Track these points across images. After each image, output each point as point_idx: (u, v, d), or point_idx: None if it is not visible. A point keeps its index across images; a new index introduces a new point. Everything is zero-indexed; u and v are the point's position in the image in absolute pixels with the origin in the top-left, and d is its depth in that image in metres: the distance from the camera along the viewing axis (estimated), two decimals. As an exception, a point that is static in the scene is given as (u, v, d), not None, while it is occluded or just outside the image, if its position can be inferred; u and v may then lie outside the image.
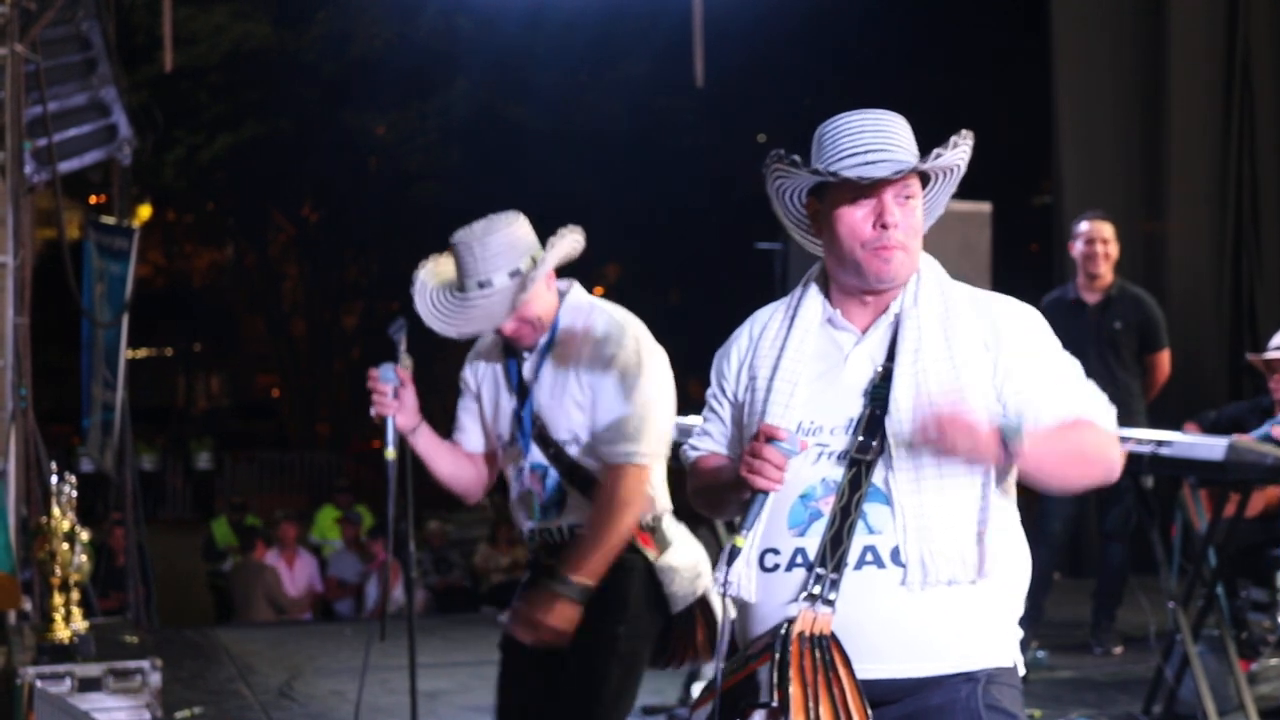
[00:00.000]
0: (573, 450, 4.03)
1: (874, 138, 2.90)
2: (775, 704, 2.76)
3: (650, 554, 4.02)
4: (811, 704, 2.74)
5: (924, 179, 2.97)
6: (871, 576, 2.84)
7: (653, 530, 4.05)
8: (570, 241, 4.04)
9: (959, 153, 2.94)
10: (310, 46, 21.52)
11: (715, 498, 3.09)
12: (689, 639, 4.09)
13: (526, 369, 4.11)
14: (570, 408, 4.02)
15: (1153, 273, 10.45)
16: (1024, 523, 3.14)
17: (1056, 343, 3.00)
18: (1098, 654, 7.92)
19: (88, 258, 9.45)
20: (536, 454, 4.09)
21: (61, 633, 5.79)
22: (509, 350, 4.15)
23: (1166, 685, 6.45)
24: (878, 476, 2.86)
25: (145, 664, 5.76)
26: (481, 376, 4.23)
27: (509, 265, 3.96)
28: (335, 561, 14.52)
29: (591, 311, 4.08)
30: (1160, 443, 6.03)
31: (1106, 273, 7.90)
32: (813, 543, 2.86)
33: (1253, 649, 6.83)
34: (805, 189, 3.01)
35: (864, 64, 19.46)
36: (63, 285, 8.44)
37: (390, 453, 4.01)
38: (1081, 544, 9.81)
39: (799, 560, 2.87)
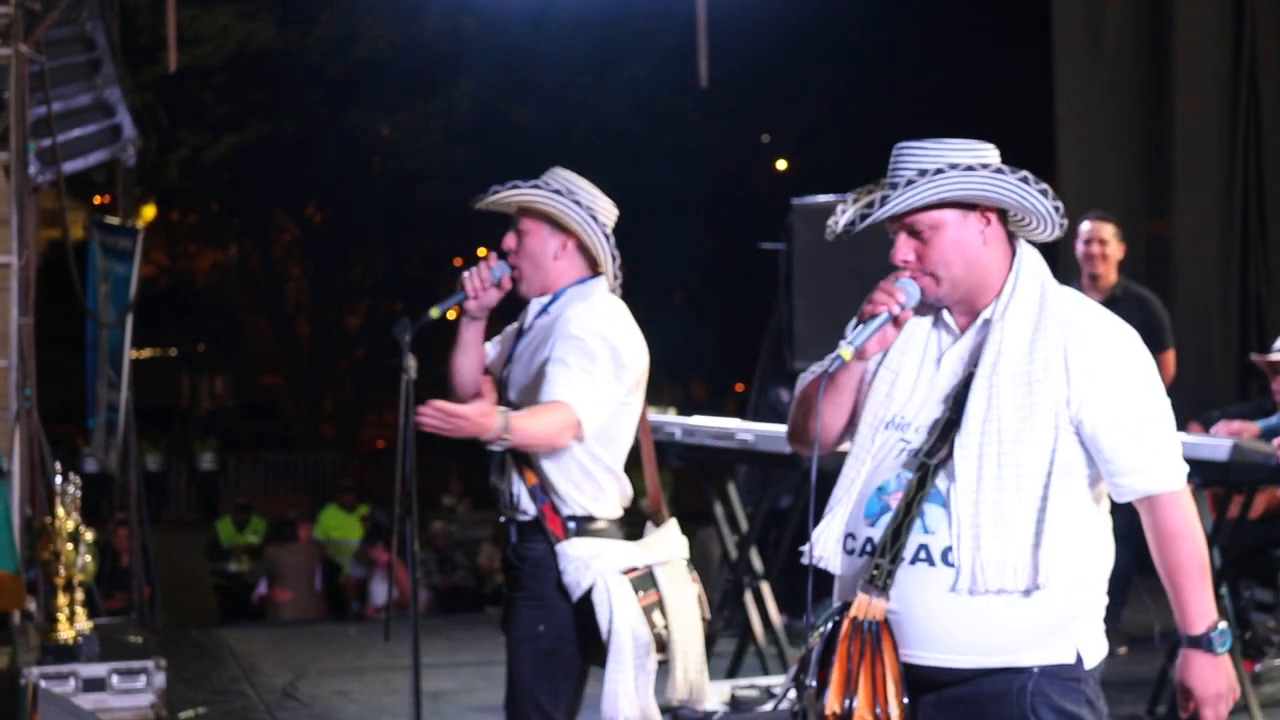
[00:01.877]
0: None
1: (893, 175, 3.06)
2: (814, 684, 3.04)
3: (554, 537, 4.09)
4: (850, 685, 2.99)
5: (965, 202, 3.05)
6: (923, 573, 3.02)
7: (569, 520, 4.10)
8: (604, 257, 4.17)
9: (949, 183, 3.01)
10: (315, 47, 21.51)
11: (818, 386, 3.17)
12: (594, 635, 4.07)
13: (526, 323, 4.25)
14: (527, 377, 4.14)
15: (1157, 273, 10.43)
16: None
17: (1151, 379, 3.08)
18: (1102, 654, 7.91)
19: (92, 258, 9.45)
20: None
21: (66, 633, 5.80)
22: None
23: (1171, 685, 6.44)
24: (941, 480, 3.03)
25: (149, 664, 5.77)
26: (520, 318, 4.36)
27: (562, 187, 4.15)
28: (354, 562, 14.51)
29: (587, 302, 4.15)
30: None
31: (1106, 273, 7.90)
32: (879, 534, 3.06)
33: (1257, 649, 6.83)
34: None
35: (868, 64, 19.44)
36: (67, 285, 8.44)
37: (435, 311, 4.16)
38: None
39: (868, 548, 3.07)
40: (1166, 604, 2.86)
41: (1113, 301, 7.88)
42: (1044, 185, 3.04)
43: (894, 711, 2.98)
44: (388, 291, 27.81)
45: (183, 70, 15.09)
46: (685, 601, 4.13)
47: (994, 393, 3.00)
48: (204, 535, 16.93)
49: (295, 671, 7.97)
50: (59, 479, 5.90)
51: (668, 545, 4.19)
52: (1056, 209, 3.05)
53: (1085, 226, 7.93)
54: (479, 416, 3.89)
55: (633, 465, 4.27)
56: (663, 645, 4.09)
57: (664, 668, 4.15)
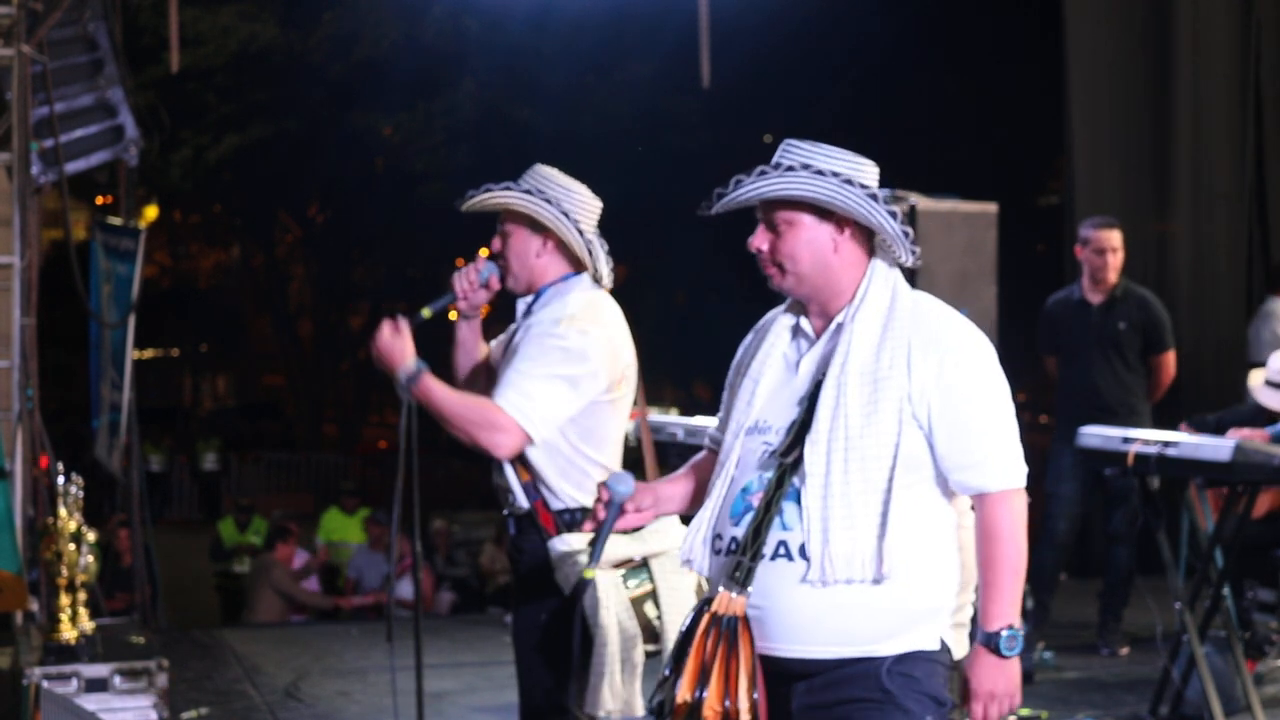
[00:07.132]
0: None
1: (760, 168, 3.22)
2: (669, 673, 3.15)
3: (546, 533, 4.14)
4: (702, 676, 3.10)
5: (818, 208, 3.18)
6: (782, 568, 3.14)
7: (559, 514, 4.15)
8: (583, 253, 4.20)
9: (780, 185, 3.18)
10: (317, 47, 21.49)
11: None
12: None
13: (516, 323, 4.30)
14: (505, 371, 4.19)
15: (1162, 274, 10.43)
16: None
17: (994, 379, 3.18)
18: (1104, 654, 7.92)
19: (94, 258, 9.46)
20: None
21: (68, 633, 5.79)
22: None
23: (1173, 686, 6.45)
24: (797, 478, 3.15)
25: (152, 664, 5.76)
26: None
27: (533, 186, 4.22)
28: (356, 562, 14.47)
29: (560, 301, 4.21)
30: (1167, 443, 6.04)
31: (1110, 277, 7.91)
32: (742, 532, 3.19)
33: (1259, 650, 6.83)
34: None
35: (871, 64, 19.41)
36: (69, 286, 8.44)
37: (426, 312, 4.24)
38: (1088, 544, 9.80)
39: (732, 546, 3.20)
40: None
41: (1114, 301, 7.89)
42: (894, 209, 3.15)
43: (743, 705, 3.06)
44: (390, 292, 27.78)
45: (185, 71, 15.09)
46: (681, 592, 4.15)
47: (841, 391, 3.12)
48: (206, 536, 16.90)
49: (297, 672, 7.97)
50: (61, 479, 5.90)
51: (663, 537, 4.20)
52: (906, 234, 3.16)
53: (1093, 234, 7.91)
54: (401, 348, 4.11)
55: (638, 464, 4.28)
56: (656, 636, 4.13)
57: (659, 658, 4.15)
